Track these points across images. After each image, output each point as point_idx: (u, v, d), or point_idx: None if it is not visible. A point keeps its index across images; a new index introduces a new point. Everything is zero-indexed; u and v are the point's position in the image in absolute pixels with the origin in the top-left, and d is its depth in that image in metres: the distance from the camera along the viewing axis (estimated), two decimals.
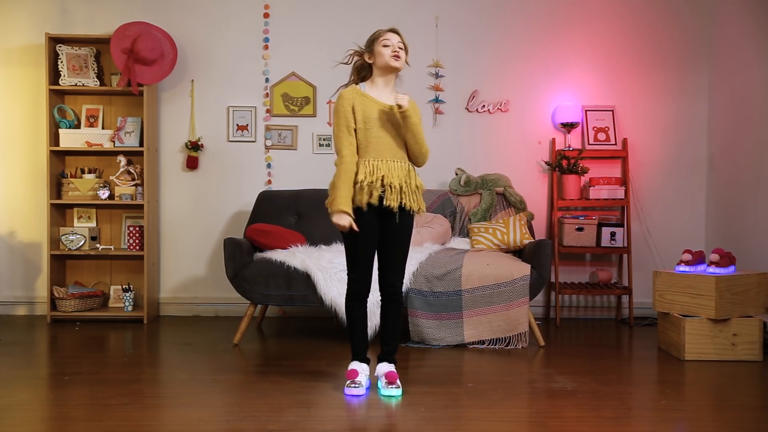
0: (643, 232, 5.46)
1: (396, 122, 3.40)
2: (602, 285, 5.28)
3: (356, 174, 3.36)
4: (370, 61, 3.46)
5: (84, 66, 5.22)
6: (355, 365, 3.47)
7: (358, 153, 3.40)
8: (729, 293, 4.10)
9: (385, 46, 3.42)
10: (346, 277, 3.49)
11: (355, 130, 3.41)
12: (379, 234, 3.43)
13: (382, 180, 3.34)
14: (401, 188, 3.37)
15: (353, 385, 3.38)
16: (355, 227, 3.32)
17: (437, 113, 5.44)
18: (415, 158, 3.47)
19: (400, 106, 3.34)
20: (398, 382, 3.40)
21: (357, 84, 3.50)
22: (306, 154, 5.45)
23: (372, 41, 3.46)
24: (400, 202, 3.37)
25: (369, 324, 3.87)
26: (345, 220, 3.30)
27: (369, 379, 3.49)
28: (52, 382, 3.64)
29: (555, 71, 5.46)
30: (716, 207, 5.33)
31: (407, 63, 3.49)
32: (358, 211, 3.36)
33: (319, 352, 4.26)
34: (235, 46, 5.44)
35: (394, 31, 3.46)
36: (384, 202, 3.35)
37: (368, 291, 3.48)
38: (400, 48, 3.43)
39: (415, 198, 3.43)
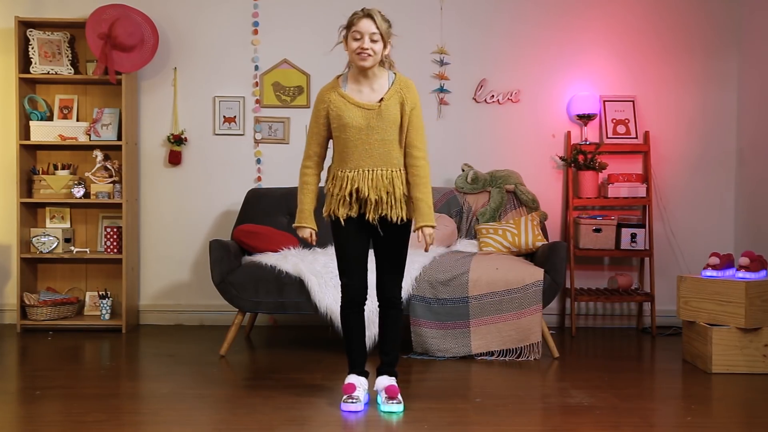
0: (666, 233, 5.46)
1: (377, 126, 3.30)
2: (622, 291, 5.28)
3: (333, 186, 3.37)
4: (346, 51, 3.36)
5: (57, 52, 5.22)
6: (352, 379, 3.47)
7: (334, 161, 3.41)
8: (760, 300, 4.10)
9: (354, 39, 3.27)
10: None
11: (332, 137, 3.41)
12: (370, 241, 3.44)
13: (358, 193, 3.32)
14: (380, 200, 3.31)
15: (350, 400, 3.38)
16: (314, 238, 3.45)
17: (442, 104, 5.45)
18: None
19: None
20: (399, 397, 3.40)
21: (342, 75, 3.43)
22: (299, 149, 5.34)
23: (347, 27, 3.32)
24: (382, 215, 3.33)
25: (367, 334, 3.87)
26: (305, 233, 3.45)
27: (368, 394, 3.49)
28: (22, 397, 3.65)
29: (570, 58, 5.46)
30: (746, 206, 5.34)
31: (386, 55, 3.33)
32: (339, 220, 3.36)
33: (313, 364, 4.26)
34: (222, 30, 5.44)
35: (369, 16, 3.26)
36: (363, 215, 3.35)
37: (364, 298, 3.48)
38: (373, 41, 3.25)
39: (401, 207, 3.34)
